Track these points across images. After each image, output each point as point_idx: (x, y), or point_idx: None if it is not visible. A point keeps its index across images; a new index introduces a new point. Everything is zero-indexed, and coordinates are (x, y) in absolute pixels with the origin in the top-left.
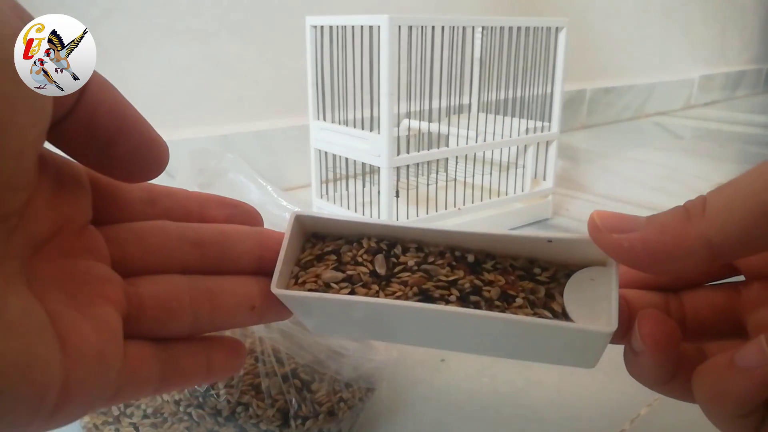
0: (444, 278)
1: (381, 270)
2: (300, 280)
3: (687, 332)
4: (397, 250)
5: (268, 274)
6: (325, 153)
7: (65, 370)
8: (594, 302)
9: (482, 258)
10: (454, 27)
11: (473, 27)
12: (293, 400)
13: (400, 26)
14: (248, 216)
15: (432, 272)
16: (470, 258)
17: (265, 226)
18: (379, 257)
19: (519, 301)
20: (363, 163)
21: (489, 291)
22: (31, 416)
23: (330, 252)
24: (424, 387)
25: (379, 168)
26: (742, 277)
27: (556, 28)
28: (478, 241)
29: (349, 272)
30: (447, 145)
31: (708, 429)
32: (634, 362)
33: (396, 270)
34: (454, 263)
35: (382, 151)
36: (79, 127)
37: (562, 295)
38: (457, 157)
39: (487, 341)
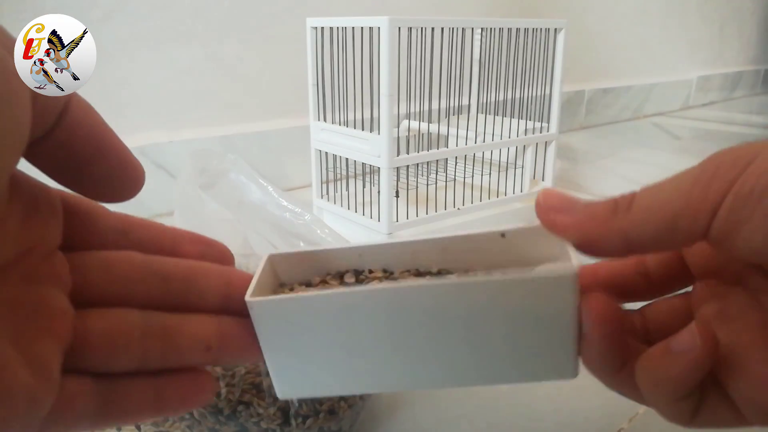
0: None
1: (350, 280)
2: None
3: (651, 339)
4: (366, 273)
5: (234, 313)
6: (326, 153)
7: None
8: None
9: (444, 272)
10: (453, 28)
11: (472, 28)
12: (294, 398)
13: (399, 27)
14: (220, 255)
15: (399, 279)
16: (434, 271)
17: (264, 227)
18: (348, 273)
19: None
20: (363, 164)
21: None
22: None
23: (299, 284)
24: None
25: (379, 168)
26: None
27: (555, 29)
28: (435, 248)
29: (319, 287)
30: (446, 146)
31: (708, 429)
32: (586, 349)
33: (364, 280)
34: (418, 275)
35: (382, 151)
36: (57, 147)
37: None
38: (456, 158)
39: (467, 338)
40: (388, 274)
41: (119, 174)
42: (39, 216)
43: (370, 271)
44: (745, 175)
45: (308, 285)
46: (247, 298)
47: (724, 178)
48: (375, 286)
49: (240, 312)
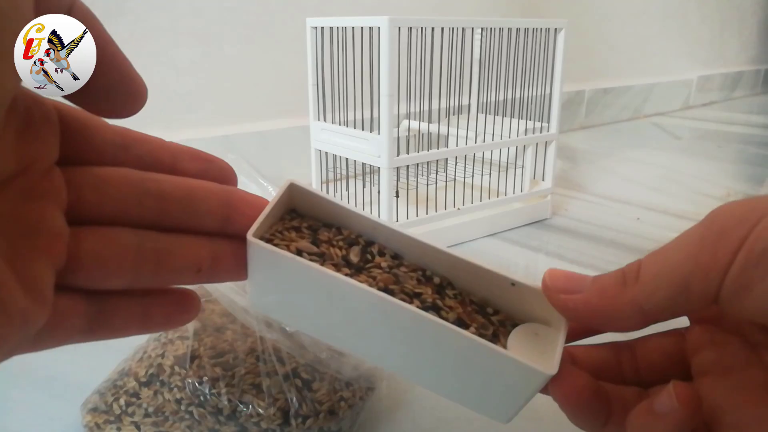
0: (410, 288)
1: (355, 258)
2: (274, 242)
3: (641, 379)
4: (374, 249)
5: (231, 234)
6: (326, 153)
7: None
8: (535, 353)
9: (445, 283)
10: (453, 28)
11: (473, 28)
12: (294, 399)
13: (399, 27)
14: (222, 173)
15: (401, 278)
16: (436, 280)
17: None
18: (356, 248)
19: (472, 330)
20: (363, 164)
21: (447, 313)
22: None
23: (307, 228)
24: None
25: (379, 168)
26: (687, 322)
27: (555, 29)
28: (446, 261)
29: (323, 249)
30: (447, 146)
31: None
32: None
33: (368, 265)
34: (422, 279)
35: (382, 151)
36: None
37: (506, 339)
38: (456, 158)
39: (427, 360)
40: (395, 264)
41: (121, 87)
42: (36, 130)
43: (381, 253)
44: (755, 232)
45: (314, 231)
46: (249, 236)
47: (733, 237)
48: (365, 287)
49: (236, 234)
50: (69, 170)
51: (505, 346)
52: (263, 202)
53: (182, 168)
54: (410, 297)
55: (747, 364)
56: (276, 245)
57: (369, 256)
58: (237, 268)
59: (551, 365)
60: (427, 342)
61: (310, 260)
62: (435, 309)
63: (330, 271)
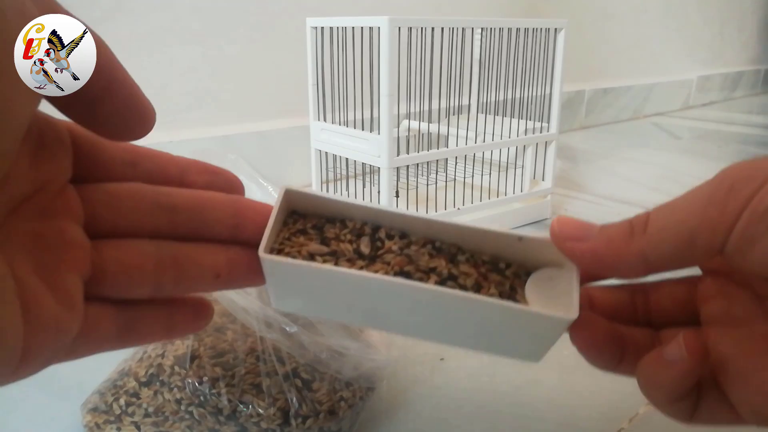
0: (424, 264)
1: (366, 249)
2: (285, 250)
3: (652, 321)
4: (381, 234)
5: (243, 242)
6: (326, 153)
7: (26, 337)
8: (553, 298)
9: (456, 251)
10: (453, 28)
11: (473, 28)
12: (294, 399)
13: (399, 27)
14: (229, 184)
15: (414, 257)
16: (447, 249)
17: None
18: (365, 238)
19: (491, 290)
20: (363, 164)
21: (465, 279)
22: None
23: (312, 227)
24: (424, 386)
25: (379, 168)
26: (699, 271)
27: (555, 29)
28: (453, 231)
29: (333, 247)
30: (447, 146)
31: (706, 428)
32: (582, 354)
33: (380, 252)
34: (433, 252)
35: (382, 151)
36: None
37: (523, 289)
38: (456, 158)
39: (454, 326)
40: (405, 243)
41: (129, 112)
42: (49, 151)
43: (389, 237)
44: (762, 191)
45: (320, 230)
46: (260, 253)
47: (740, 195)
48: (382, 277)
49: (248, 242)
50: (82, 188)
51: (523, 297)
52: (269, 209)
53: (190, 181)
54: (426, 273)
55: (753, 315)
56: (287, 254)
57: (379, 243)
58: (253, 275)
59: (572, 310)
60: (452, 311)
61: (324, 261)
62: (452, 279)
63: (346, 270)
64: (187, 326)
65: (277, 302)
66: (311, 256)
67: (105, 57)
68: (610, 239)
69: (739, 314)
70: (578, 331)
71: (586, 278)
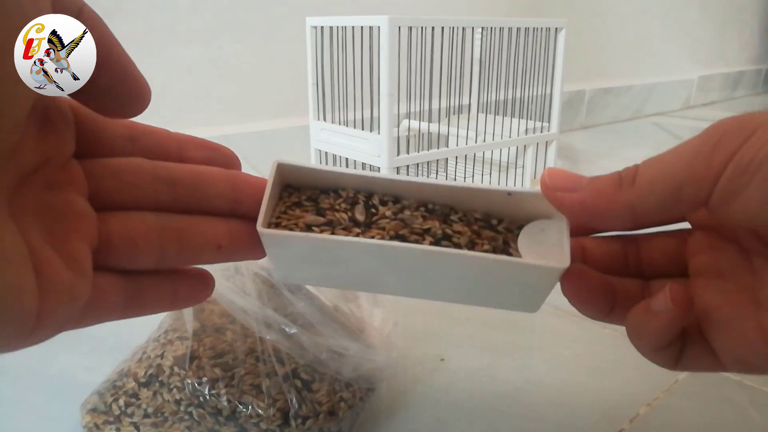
0: (419, 227)
1: (361, 217)
2: (282, 223)
3: (643, 272)
4: (375, 200)
5: (241, 216)
6: (326, 153)
7: (40, 301)
8: (545, 249)
9: (448, 211)
10: (453, 27)
11: (473, 27)
12: (293, 399)
13: (399, 27)
14: (226, 159)
15: (408, 221)
16: (439, 210)
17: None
18: (359, 206)
19: (484, 246)
20: (363, 163)
21: (459, 238)
22: (12, 338)
23: (307, 199)
24: (424, 387)
25: (379, 168)
26: (688, 225)
27: (556, 29)
28: (445, 192)
29: (329, 217)
30: (447, 146)
31: (706, 428)
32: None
33: (375, 218)
34: (426, 214)
35: (382, 151)
36: None
37: (516, 243)
38: (456, 157)
39: (452, 283)
40: (399, 208)
41: (125, 88)
42: (53, 125)
43: (383, 203)
44: (746, 145)
45: (315, 201)
46: (258, 228)
47: (726, 149)
48: (378, 242)
49: (246, 215)
50: (84, 162)
51: (516, 250)
52: (266, 182)
53: (188, 156)
54: (421, 235)
55: (739, 268)
56: (285, 227)
57: (373, 210)
58: (254, 247)
59: (563, 259)
60: (449, 270)
61: (321, 231)
62: (446, 238)
63: (343, 237)
64: (190, 297)
65: (280, 274)
66: (308, 228)
67: (102, 33)
68: (599, 190)
69: (726, 267)
70: (570, 281)
71: (576, 230)
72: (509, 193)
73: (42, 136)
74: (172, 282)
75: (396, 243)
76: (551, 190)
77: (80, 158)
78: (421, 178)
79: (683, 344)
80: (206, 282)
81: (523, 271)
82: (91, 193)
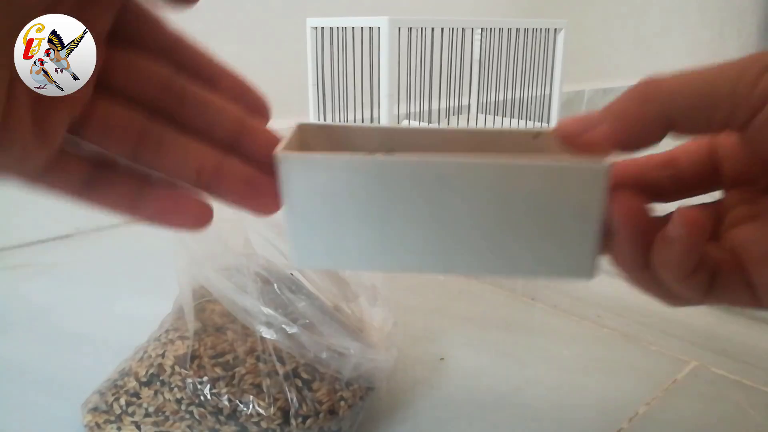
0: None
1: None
2: None
3: None
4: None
5: (243, 155)
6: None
7: None
8: None
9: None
10: (453, 28)
11: (472, 28)
12: (294, 398)
13: (399, 28)
14: (256, 105)
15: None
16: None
17: (264, 227)
18: (380, 154)
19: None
20: None
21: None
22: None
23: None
24: (424, 386)
25: None
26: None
27: (555, 30)
28: (468, 137)
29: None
30: None
31: (705, 428)
32: (615, 247)
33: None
34: None
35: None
36: None
37: None
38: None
39: (500, 221)
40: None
41: None
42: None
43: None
44: None
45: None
46: (278, 152)
47: None
48: (415, 157)
49: (246, 154)
50: (114, 47)
51: None
52: (275, 137)
53: (220, 87)
54: None
55: None
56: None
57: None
58: (244, 190)
59: (602, 160)
60: (491, 192)
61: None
62: None
63: (375, 156)
64: (159, 212)
65: (299, 251)
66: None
67: None
68: (622, 113)
69: (762, 212)
70: (619, 202)
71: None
72: (536, 135)
73: (80, 6)
74: (140, 184)
75: (428, 156)
76: (575, 137)
77: (113, 40)
78: (442, 126)
79: (713, 276)
80: (186, 207)
81: (565, 175)
82: (101, 73)
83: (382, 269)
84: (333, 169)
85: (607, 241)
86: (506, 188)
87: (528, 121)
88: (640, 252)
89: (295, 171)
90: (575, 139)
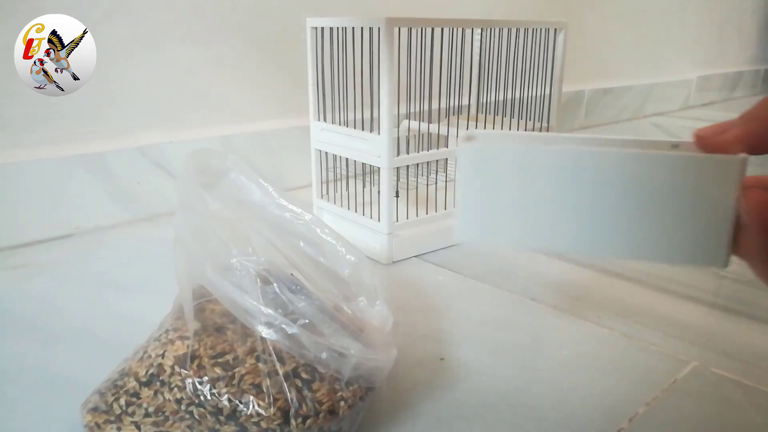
0: None
1: None
2: None
3: None
4: None
5: None
6: (326, 153)
7: None
8: None
9: None
10: (453, 28)
11: (472, 28)
12: (294, 398)
13: (399, 28)
14: None
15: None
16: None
17: (264, 227)
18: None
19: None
20: (363, 164)
21: None
22: None
23: None
24: (424, 386)
25: (379, 168)
26: None
27: (555, 29)
28: (610, 145)
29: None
30: (446, 146)
31: (705, 428)
32: (745, 239)
33: None
34: None
35: (382, 151)
36: None
37: None
38: (456, 158)
39: (649, 204)
40: None
41: None
42: None
43: None
44: None
45: None
46: (460, 142)
47: None
48: (579, 146)
49: None
50: None
51: None
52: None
53: None
54: None
55: None
56: None
57: None
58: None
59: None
60: (640, 183)
61: None
62: None
63: (550, 146)
64: None
65: (463, 227)
66: None
67: None
68: (755, 117)
69: None
70: (754, 194)
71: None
72: (674, 145)
73: None
74: None
75: (593, 147)
76: (710, 139)
77: None
78: (591, 135)
79: None
80: None
81: (704, 166)
82: None
83: (535, 247)
84: (504, 158)
85: (735, 236)
86: (653, 178)
87: (528, 121)
88: None
89: (471, 157)
90: (710, 140)
